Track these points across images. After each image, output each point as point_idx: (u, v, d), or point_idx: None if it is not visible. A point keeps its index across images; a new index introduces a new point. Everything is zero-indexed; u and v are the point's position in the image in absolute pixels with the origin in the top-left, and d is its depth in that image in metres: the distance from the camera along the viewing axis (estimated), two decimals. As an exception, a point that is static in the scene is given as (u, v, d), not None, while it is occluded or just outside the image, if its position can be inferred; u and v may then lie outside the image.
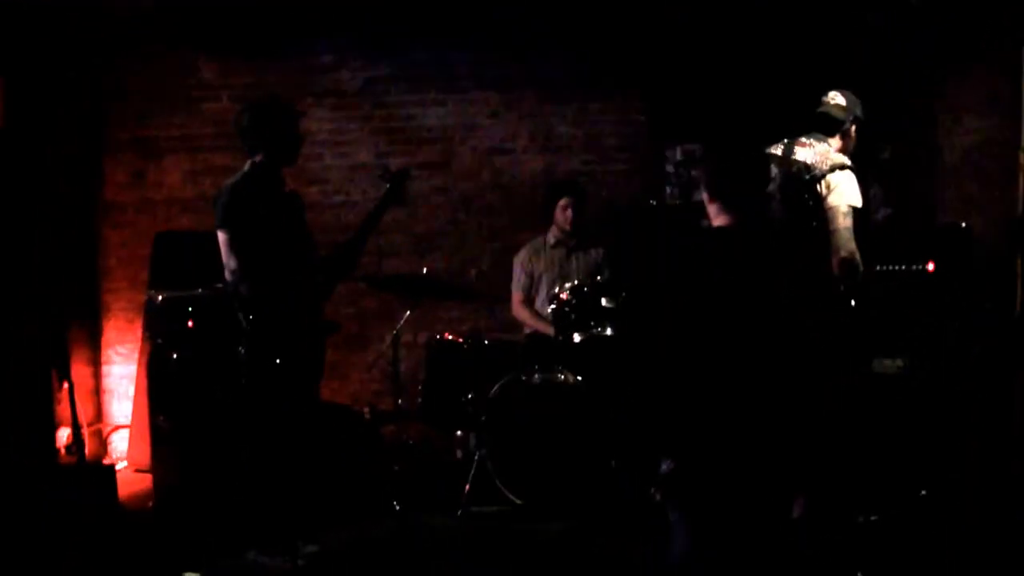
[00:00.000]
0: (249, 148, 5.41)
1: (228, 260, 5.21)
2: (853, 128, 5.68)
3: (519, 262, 7.29)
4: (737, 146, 4.31)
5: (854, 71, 7.41)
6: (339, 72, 8.22)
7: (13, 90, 7.23)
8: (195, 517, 6.13)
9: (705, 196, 4.16)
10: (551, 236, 7.20)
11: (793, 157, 5.55)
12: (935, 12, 6.89)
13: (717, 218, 4.11)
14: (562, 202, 7.09)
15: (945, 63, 7.51)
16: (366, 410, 7.23)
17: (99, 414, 8.39)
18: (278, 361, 5.18)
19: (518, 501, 6.10)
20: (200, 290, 6.57)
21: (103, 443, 8.29)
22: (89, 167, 8.30)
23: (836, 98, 5.70)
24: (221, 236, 5.23)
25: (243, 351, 5.29)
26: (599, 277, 6.66)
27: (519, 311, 7.24)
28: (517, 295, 7.26)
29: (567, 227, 7.08)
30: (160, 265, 7.56)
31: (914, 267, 6.26)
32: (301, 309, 5.36)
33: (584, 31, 7.98)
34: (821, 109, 5.71)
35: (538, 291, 7.18)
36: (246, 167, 5.40)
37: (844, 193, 5.36)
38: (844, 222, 5.32)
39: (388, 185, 5.73)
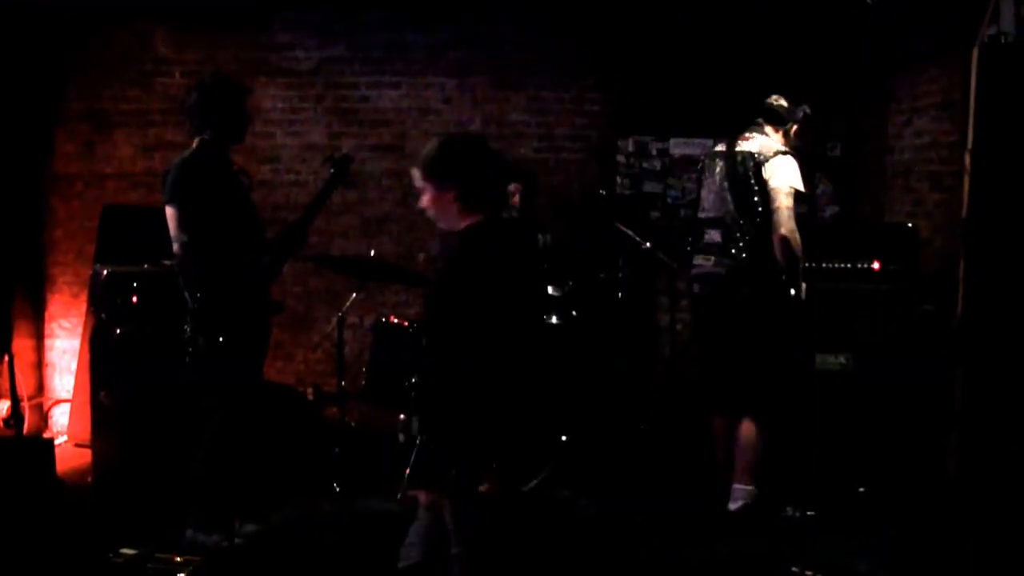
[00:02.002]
0: (197, 126, 5.39)
1: (176, 236, 5.19)
2: (795, 127, 5.94)
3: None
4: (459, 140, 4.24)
5: (807, 68, 7.49)
6: (293, 51, 8.16)
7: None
8: (134, 493, 6.09)
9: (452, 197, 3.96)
10: None
11: (737, 149, 5.83)
12: (889, 12, 6.94)
13: (463, 219, 3.99)
14: (511, 187, 7.09)
15: (897, 64, 7.57)
16: (309, 391, 7.21)
17: (41, 388, 8.31)
18: (222, 339, 5.16)
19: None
20: (146, 266, 6.54)
21: (44, 417, 8.22)
22: (39, 138, 8.21)
23: (779, 100, 5.97)
24: (169, 211, 5.20)
25: (188, 329, 5.27)
26: (545, 265, 6.65)
27: None
28: None
29: (513, 213, 7.09)
30: (107, 239, 7.47)
31: (860, 265, 6.32)
32: (248, 288, 5.34)
33: (540, 19, 7.99)
34: (766, 106, 5.96)
35: None
36: (195, 144, 5.37)
37: (785, 175, 5.63)
38: (785, 202, 5.59)
39: (332, 169, 5.73)
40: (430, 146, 3.99)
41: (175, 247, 5.21)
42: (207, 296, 5.18)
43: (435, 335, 4.00)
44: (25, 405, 7.87)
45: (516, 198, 7.04)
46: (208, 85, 5.44)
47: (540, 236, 7.16)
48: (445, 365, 3.90)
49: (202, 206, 5.20)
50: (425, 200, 3.98)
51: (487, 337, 3.80)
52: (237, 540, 5.20)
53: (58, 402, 8.24)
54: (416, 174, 3.99)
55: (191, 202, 5.18)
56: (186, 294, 5.22)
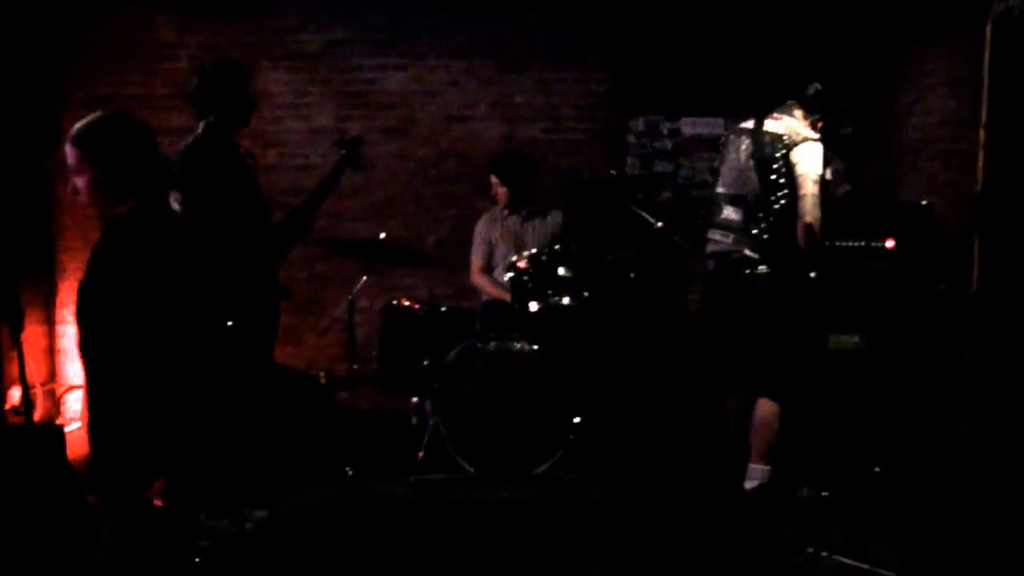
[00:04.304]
0: (199, 111, 5.35)
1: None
2: (821, 119, 5.86)
3: (478, 230, 7.26)
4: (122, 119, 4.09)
5: (818, 46, 7.44)
6: (299, 34, 8.10)
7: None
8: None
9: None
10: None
11: (764, 129, 5.76)
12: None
13: (117, 205, 3.92)
14: (492, 179, 7.12)
15: (909, 41, 7.52)
16: (321, 375, 7.18)
17: (53, 374, 8.29)
18: (229, 324, 5.12)
19: (470, 469, 6.08)
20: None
21: (56, 403, 8.20)
22: (44, 126, 8.16)
23: (821, 90, 5.85)
24: (173, 198, 5.17)
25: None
26: (556, 246, 6.62)
27: (477, 279, 7.21)
28: (476, 263, 7.23)
29: (503, 204, 7.10)
30: (114, 225, 7.44)
31: (873, 244, 6.28)
32: (254, 272, 5.30)
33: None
34: (801, 93, 5.86)
35: (495, 260, 7.14)
36: (199, 130, 5.33)
37: (814, 163, 5.58)
38: (812, 189, 5.55)
39: (343, 152, 5.69)
40: (83, 124, 3.91)
41: None
42: (212, 280, 5.15)
43: (80, 329, 3.87)
44: (37, 392, 7.86)
45: (500, 189, 7.05)
46: (208, 70, 5.40)
47: (550, 216, 7.14)
48: (91, 362, 3.81)
49: (207, 192, 5.16)
50: (80, 183, 3.90)
51: (127, 333, 3.73)
52: (248, 525, 5.17)
53: (70, 388, 8.22)
54: (70, 153, 3.89)
55: (195, 188, 5.15)
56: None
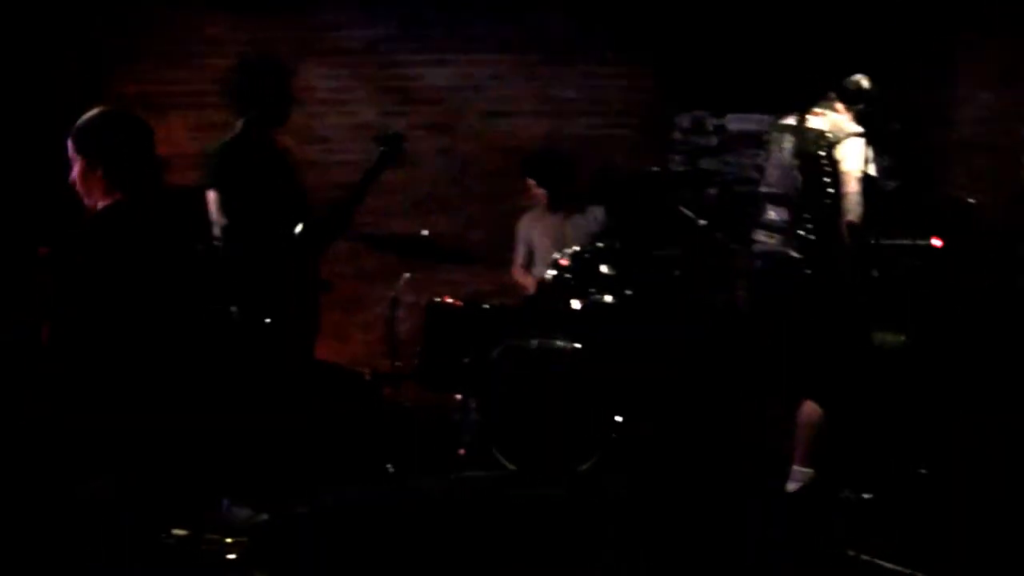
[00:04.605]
0: (239, 107, 5.35)
1: (217, 219, 5.18)
2: (863, 112, 5.78)
3: (520, 228, 7.26)
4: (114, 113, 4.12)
5: (866, 41, 7.36)
6: (343, 30, 8.15)
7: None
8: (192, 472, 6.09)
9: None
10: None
11: (808, 126, 5.70)
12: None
13: (104, 197, 3.95)
14: (528, 182, 7.11)
15: (959, 35, 7.43)
16: (367, 371, 7.19)
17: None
18: (268, 320, 5.14)
19: (511, 466, 6.06)
20: (199, 247, 6.52)
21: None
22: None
23: (863, 81, 5.81)
24: (211, 195, 5.19)
25: (235, 310, 5.26)
26: (599, 243, 6.59)
27: (518, 277, 7.21)
28: (517, 261, 7.23)
29: (543, 205, 7.09)
30: (162, 220, 7.48)
31: (919, 242, 6.20)
32: (290, 269, 5.30)
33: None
34: (843, 83, 5.81)
35: (537, 257, 7.12)
36: (237, 126, 5.34)
37: (857, 159, 5.53)
38: (855, 187, 5.52)
39: (382, 148, 5.66)
40: (84, 119, 3.97)
41: (215, 230, 5.19)
42: (249, 278, 5.16)
43: (51, 318, 3.85)
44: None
45: (534, 192, 7.03)
46: (249, 65, 5.40)
47: (591, 212, 7.10)
48: (57, 352, 3.80)
49: (243, 189, 5.17)
50: (74, 173, 3.94)
51: (94, 328, 3.73)
52: (262, 516, 5.16)
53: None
54: (70, 146, 3.95)
55: (232, 186, 5.16)
56: (229, 275, 5.20)
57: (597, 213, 7.08)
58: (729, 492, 5.98)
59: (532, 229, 7.17)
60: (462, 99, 8.14)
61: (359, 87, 8.17)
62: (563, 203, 7.09)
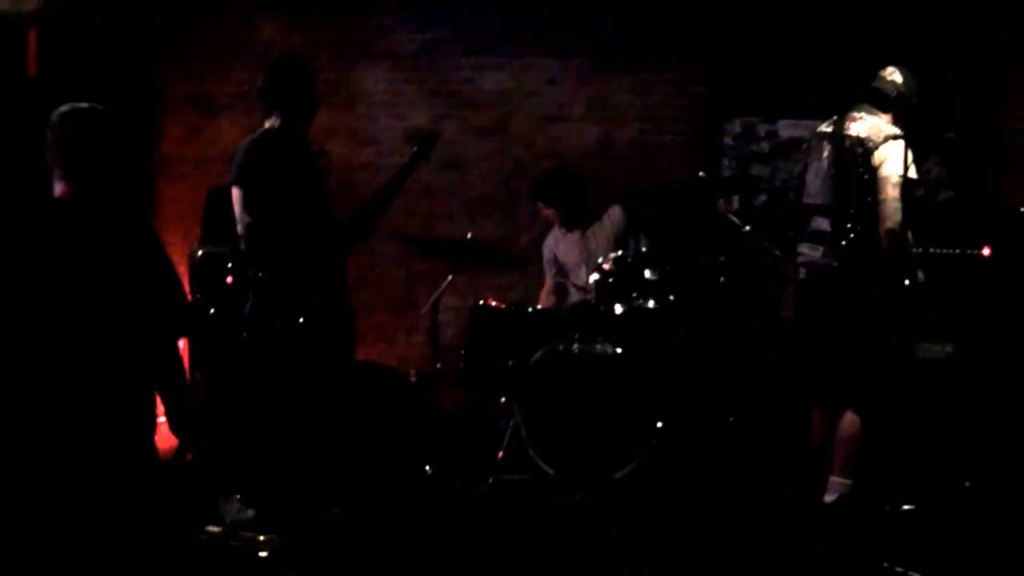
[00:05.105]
0: (266, 108, 5.37)
1: (241, 217, 5.20)
2: (900, 107, 5.61)
3: (544, 250, 7.28)
4: (87, 111, 4.03)
5: (922, 50, 7.26)
6: (396, 33, 8.18)
7: (48, 42, 7.23)
8: (226, 472, 6.13)
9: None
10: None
11: (846, 132, 5.56)
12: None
13: (56, 187, 3.92)
14: (538, 205, 7.09)
15: (1013, 45, 7.33)
16: (412, 373, 7.20)
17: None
18: (284, 320, 5.16)
19: (550, 471, 6.03)
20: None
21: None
22: (146, 123, 8.33)
23: (893, 74, 5.68)
24: (235, 193, 5.21)
25: (248, 309, 5.28)
26: (626, 242, 6.63)
27: (544, 301, 7.19)
28: (547, 284, 7.28)
29: (558, 224, 7.07)
30: (212, 221, 7.54)
31: (969, 251, 6.10)
32: (314, 268, 5.31)
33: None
34: (874, 83, 5.69)
35: (569, 274, 7.11)
36: (266, 126, 5.36)
37: (895, 164, 5.35)
38: (892, 192, 5.34)
39: (415, 148, 5.66)
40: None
41: (239, 228, 5.22)
42: (270, 277, 5.18)
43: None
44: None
45: (545, 213, 7.01)
46: (275, 67, 5.42)
47: (607, 217, 7.01)
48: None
49: (267, 188, 5.18)
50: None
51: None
52: (250, 512, 5.17)
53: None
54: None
55: (256, 184, 5.18)
56: (250, 274, 5.23)
57: (613, 214, 7.00)
58: (754, 497, 5.95)
59: (555, 250, 7.15)
60: (513, 104, 8.14)
61: (410, 90, 8.20)
62: (577, 219, 7.05)
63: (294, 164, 5.29)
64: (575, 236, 7.07)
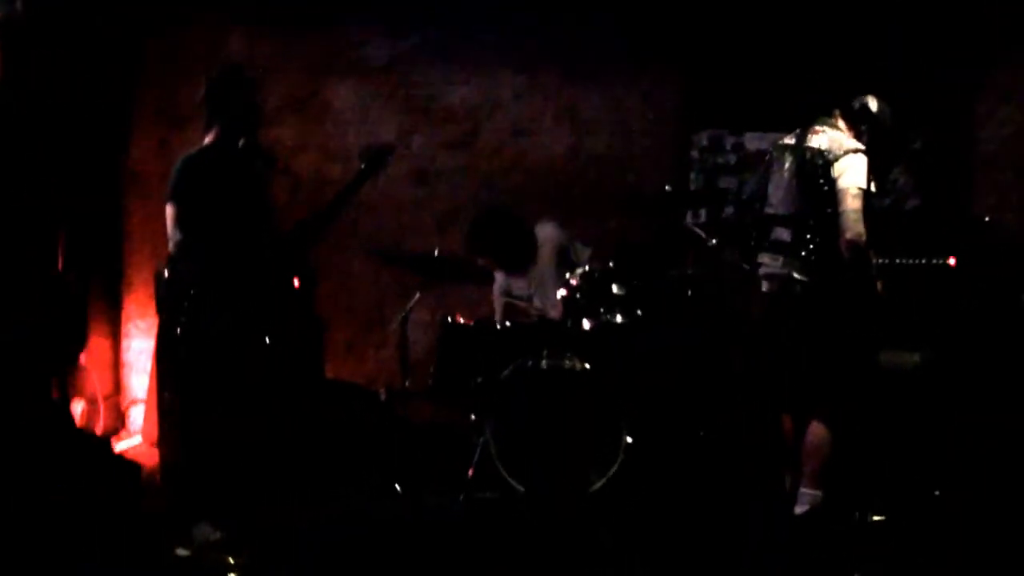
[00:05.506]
0: (206, 121, 5.34)
1: (172, 235, 5.16)
2: (866, 133, 5.65)
3: (495, 290, 7.16)
4: None
5: (889, 58, 7.29)
6: (365, 47, 8.13)
7: (13, 52, 7.18)
8: (196, 493, 6.09)
9: None
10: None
11: (807, 144, 5.60)
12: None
13: None
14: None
15: (983, 52, 7.36)
16: (382, 391, 7.17)
17: (118, 387, 8.38)
18: (215, 336, 5.15)
19: (520, 487, 6.02)
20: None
21: (121, 417, 8.29)
22: (115, 137, 8.29)
23: (870, 102, 5.70)
24: (168, 211, 5.17)
25: (181, 327, 5.26)
26: (571, 253, 6.69)
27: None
28: (497, 311, 7.15)
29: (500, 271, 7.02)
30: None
31: (935, 261, 6.13)
32: (246, 285, 5.28)
33: (611, 11, 7.86)
34: (851, 103, 5.73)
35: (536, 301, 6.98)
36: (205, 141, 5.33)
37: (854, 176, 5.38)
38: (852, 204, 5.34)
39: (363, 164, 5.64)
40: None
41: (170, 246, 5.18)
42: (200, 295, 5.15)
43: None
44: (101, 405, 7.94)
45: (486, 263, 6.94)
46: (215, 78, 5.39)
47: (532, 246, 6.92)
48: None
49: (199, 206, 5.16)
50: None
51: None
52: (218, 534, 5.13)
53: (135, 402, 8.29)
54: None
55: (188, 201, 5.15)
56: (180, 291, 5.19)
57: (545, 232, 6.87)
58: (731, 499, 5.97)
59: (506, 288, 7.05)
60: (482, 117, 8.11)
61: (380, 104, 8.15)
62: (520, 261, 6.91)
63: (228, 181, 5.25)
64: (520, 275, 6.96)
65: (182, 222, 5.14)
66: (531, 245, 6.83)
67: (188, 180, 5.18)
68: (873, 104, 5.65)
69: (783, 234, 5.62)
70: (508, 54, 8.07)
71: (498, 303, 7.13)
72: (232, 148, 5.34)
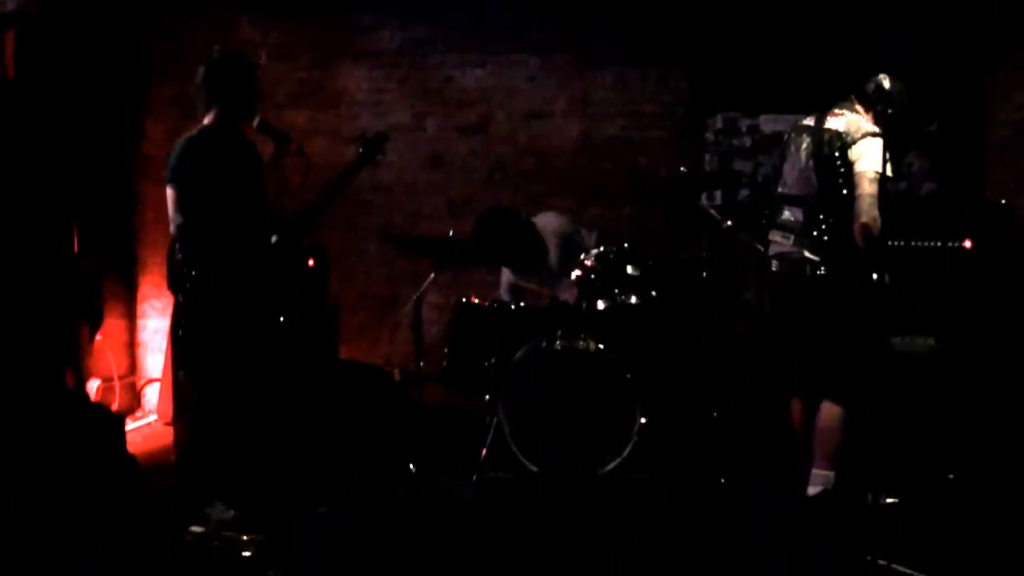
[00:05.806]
0: (204, 104, 5.33)
1: (174, 217, 5.17)
2: (883, 113, 5.56)
3: (503, 280, 7.23)
4: None
5: (903, 43, 7.25)
6: (378, 32, 8.15)
7: (26, 43, 7.23)
8: (210, 472, 6.11)
9: None
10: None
11: (825, 126, 5.60)
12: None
13: None
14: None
15: (997, 37, 7.32)
16: (396, 372, 7.18)
17: (133, 367, 8.44)
18: (215, 318, 5.17)
19: (533, 468, 6.03)
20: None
21: (136, 396, 8.33)
22: (130, 123, 8.34)
23: (883, 81, 5.66)
24: (169, 193, 5.17)
25: (179, 305, 5.28)
26: (578, 238, 6.73)
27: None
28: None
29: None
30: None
31: (951, 244, 6.10)
32: (248, 266, 5.30)
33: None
34: (863, 85, 5.71)
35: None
36: (204, 122, 5.33)
37: (872, 159, 5.36)
38: (869, 188, 5.34)
39: (361, 150, 5.65)
40: None
41: (171, 228, 5.19)
42: (202, 276, 5.16)
43: None
44: (116, 385, 8.00)
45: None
46: (212, 61, 5.37)
47: (534, 243, 6.91)
48: None
49: (200, 188, 5.17)
50: None
51: None
52: (231, 513, 5.15)
53: (150, 381, 8.35)
54: None
55: (189, 184, 5.15)
56: (183, 272, 5.20)
57: (547, 223, 6.91)
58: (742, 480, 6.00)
59: (514, 282, 7.12)
60: (495, 101, 8.10)
61: (392, 89, 8.17)
62: (526, 261, 6.95)
63: (228, 163, 5.24)
64: (531, 272, 6.97)
65: (182, 204, 5.16)
66: (538, 244, 6.86)
67: (189, 161, 5.18)
68: (886, 82, 5.62)
69: (796, 214, 5.63)
70: (521, 40, 8.05)
71: (507, 297, 7.15)
72: (232, 129, 5.34)
